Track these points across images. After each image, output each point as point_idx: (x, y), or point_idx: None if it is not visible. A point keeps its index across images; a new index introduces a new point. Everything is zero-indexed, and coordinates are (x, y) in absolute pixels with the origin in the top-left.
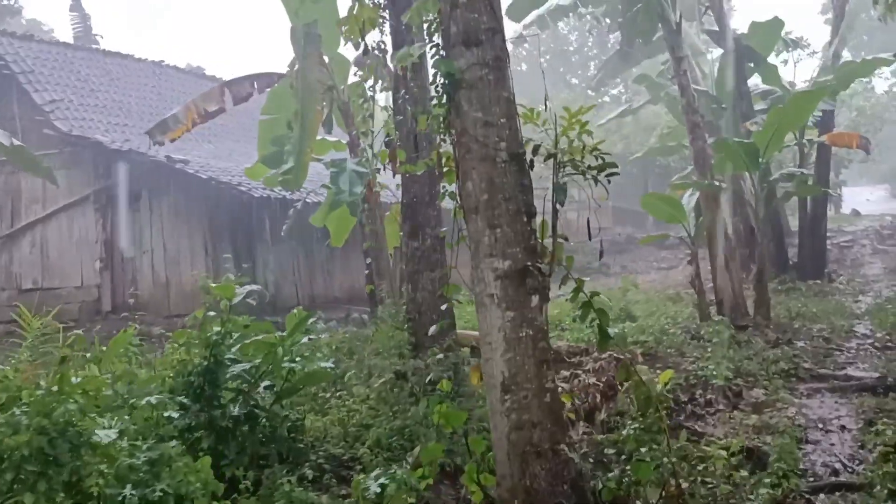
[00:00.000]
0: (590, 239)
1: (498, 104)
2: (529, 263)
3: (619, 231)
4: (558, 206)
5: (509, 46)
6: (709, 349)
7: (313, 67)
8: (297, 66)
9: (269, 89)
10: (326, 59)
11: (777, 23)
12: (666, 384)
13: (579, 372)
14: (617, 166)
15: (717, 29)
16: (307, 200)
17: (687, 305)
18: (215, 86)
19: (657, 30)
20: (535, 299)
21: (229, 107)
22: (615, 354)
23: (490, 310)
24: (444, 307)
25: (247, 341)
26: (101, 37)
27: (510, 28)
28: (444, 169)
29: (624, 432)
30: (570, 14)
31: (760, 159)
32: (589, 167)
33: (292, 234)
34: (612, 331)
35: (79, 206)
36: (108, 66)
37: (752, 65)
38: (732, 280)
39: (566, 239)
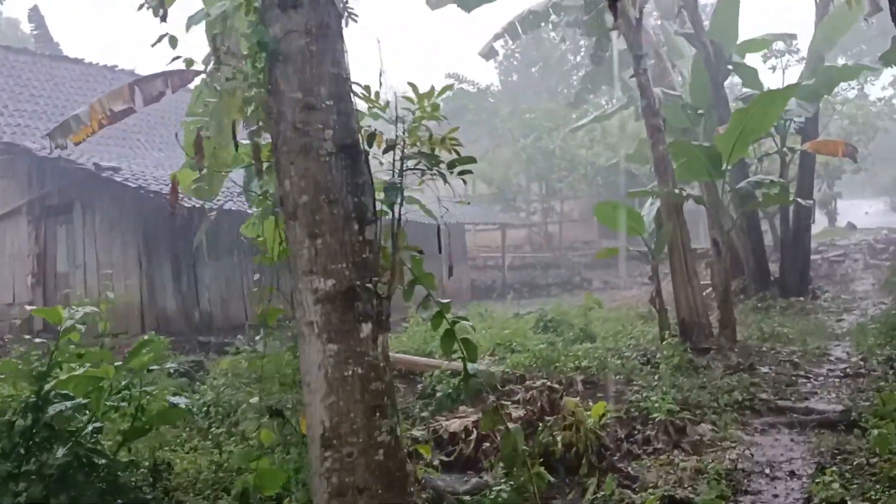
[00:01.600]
0: (439, 251)
1: (323, 83)
2: (359, 283)
3: (604, 244)
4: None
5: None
6: (658, 376)
7: (230, 62)
8: (212, 62)
9: (185, 87)
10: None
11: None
12: (601, 417)
13: (507, 403)
14: (475, 161)
15: (692, 31)
16: (232, 209)
17: (656, 324)
18: (124, 84)
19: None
20: (365, 328)
21: (139, 106)
22: (549, 384)
23: (309, 342)
24: None
25: (64, 377)
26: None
27: (480, 34)
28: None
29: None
30: (543, 23)
31: (724, 165)
32: (439, 161)
33: (211, 247)
34: (474, 367)
35: (11, 218)
36: (54, 71)
37: (730, 67)
38: (695, 298)
39: (420, 252)
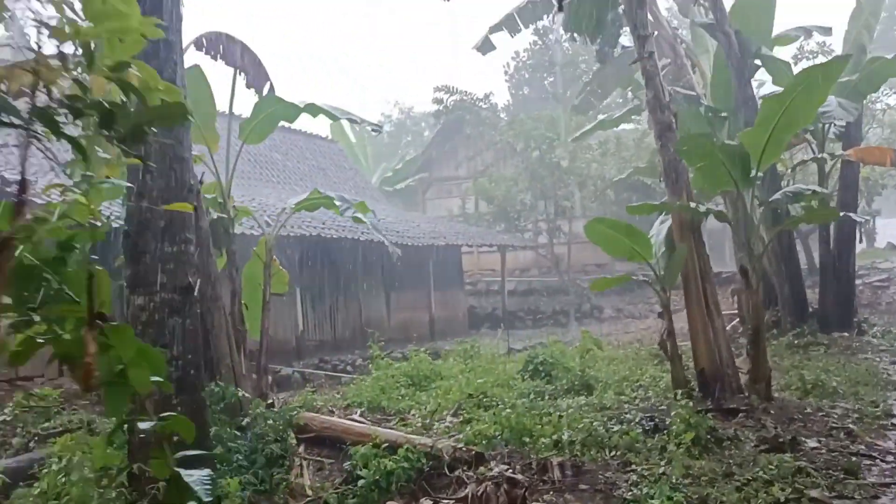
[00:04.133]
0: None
1: None
2: None
3: (618, 268)
4: None
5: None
6: (667, 456)
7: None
8: None
9: None
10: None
11: None
12: None
13: (449, 501)
14: (185, 116)
15: (712, 21)
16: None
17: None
18: None
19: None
20: None
21: None
22: (510, 472)
23: None
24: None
25: None
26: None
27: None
28: None
29: None
30: (546, 15)
31: (753, 171)
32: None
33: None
34: None
35: None
36: None
37: (758, 62)
38: (718, 342)
39: (103, 318)
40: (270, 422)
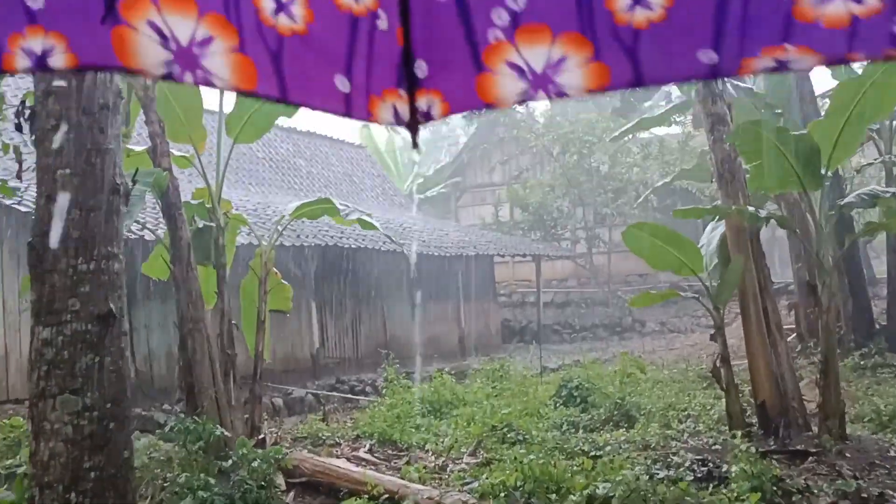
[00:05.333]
0: None
1: None
2: None
3: (662, 280)
4: None
5: None
6: None
7: None
8: None
9: None
10: None
11: None
12: None
13: None
14: None
15: None
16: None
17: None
18: None
19: None
20: None
21: None
22: None
23: None
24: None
25: None
26: None
27: None
28: None
29: None
30: None
31: (823, 168)
32: None
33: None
34: None
35: None
36: None
37: None
38: (781, 370)
39: None
40: (255, 464)
